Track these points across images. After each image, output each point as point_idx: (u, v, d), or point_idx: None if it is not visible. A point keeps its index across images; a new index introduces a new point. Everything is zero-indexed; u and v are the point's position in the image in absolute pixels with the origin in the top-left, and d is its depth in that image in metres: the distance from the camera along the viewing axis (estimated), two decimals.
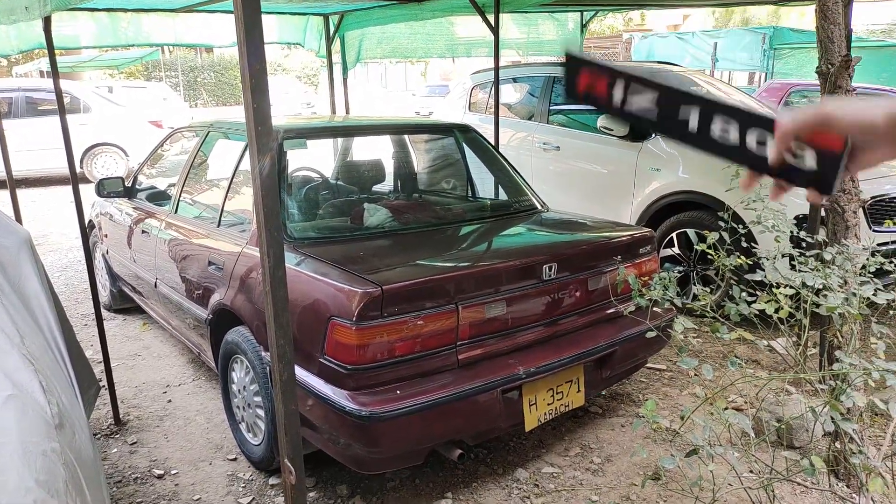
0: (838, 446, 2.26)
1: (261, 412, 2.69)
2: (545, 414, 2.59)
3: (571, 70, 0.71)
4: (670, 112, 0.66)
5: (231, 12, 5.18)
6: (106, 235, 4.56)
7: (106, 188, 4.06)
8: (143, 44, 5.74)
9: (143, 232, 3.83)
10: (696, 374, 3.55)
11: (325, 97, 7.83)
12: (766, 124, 0.61)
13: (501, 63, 5.17)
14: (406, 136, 4.12)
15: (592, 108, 0.76)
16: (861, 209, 3.66)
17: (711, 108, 0.65)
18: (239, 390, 2.86)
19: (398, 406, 2.17)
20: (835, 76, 2.52)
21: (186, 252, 3.34)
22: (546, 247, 2.93)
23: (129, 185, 4.18)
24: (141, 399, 3.48)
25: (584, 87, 0.71)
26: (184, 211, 3.58)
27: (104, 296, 4.69)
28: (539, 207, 3.48)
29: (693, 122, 0.66)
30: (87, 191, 4.58)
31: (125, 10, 4.85)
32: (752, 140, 0.63)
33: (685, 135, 0.66)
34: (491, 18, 4.68)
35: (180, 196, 3.62)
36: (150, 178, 4.38)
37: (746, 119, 0.64)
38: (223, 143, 3.63)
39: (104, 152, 11.00)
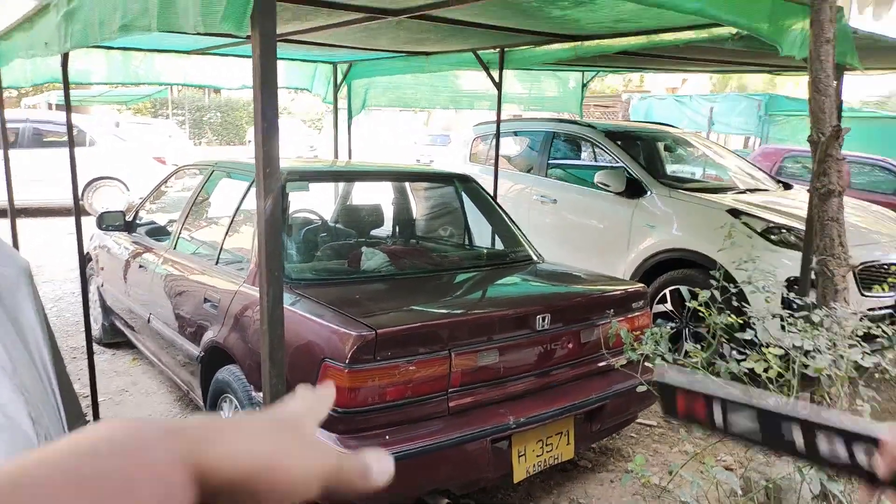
0: None
1: None
2: (534, 465, 2.57)
3: (667, 394, 0.73)
4: (774, 432, 0.67)
5: (241, 56, 5.32)
6: (102, 268, 4.57)
7: (106, 221, 4.10)
8: (154, 83, 5.87)
9: (141, 266, 3.85)
10: (686, 431, 3.53)
11: (328, 141, 7.97)
12: (872, 440, 0.61)
13: (503, 116, 5.31)
14: (406, 183, 4.19)
15: (698, 426, 0.76)
16: (851, 274, 3.72)
17: (813, 425, 0.65)
18: None
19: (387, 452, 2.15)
20: (826, 145, 2.60)
21: (182, 288, 3.36)
22: (540, 297, 2.96)
23: (130, 219, 4.22)
24: None
25: (683, 410, 0.73)
26: (183, 247, 3.61)
27: (96, 329, 4.67)
28: (535, 259, 3.52)
29: (799, 441, 0.67)
30: (87, 223, 4.62)
31: (139, 50, 4.98)
32: (861, 455, 0.63)
33: (795, 453, 0.67)
34: (495, 74, 4.82)
35: (180, 232, 3.66)
36: (150, 214, 4.43)
37: (850, 435, 0.64)
38: (227, 182, 3.69)
39: (105, 185, 11.10)
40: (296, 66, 6.20)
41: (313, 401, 0.43)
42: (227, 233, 3.22)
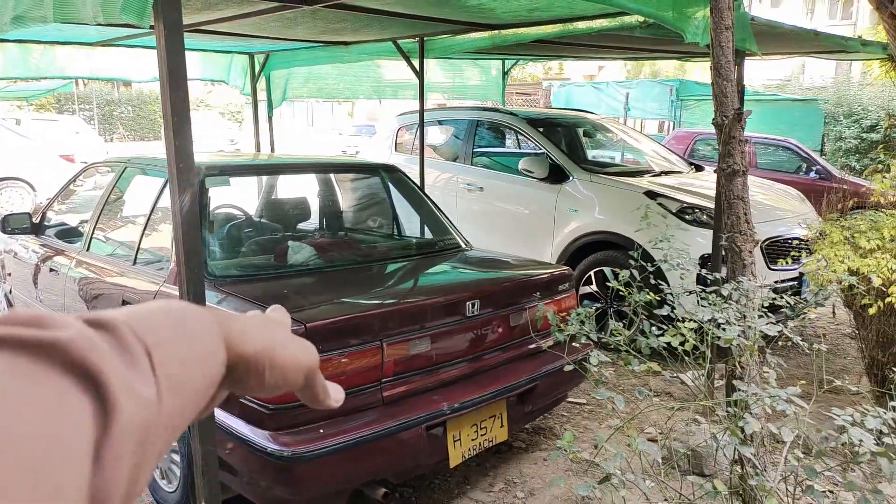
0: (740, 471, 2.40)
1: (176, 457, 2.58)
2: (469, 450, 2.62)
3: None
4: None
5: (151, 47, 5.11)
6: (10, 274, 4.32)
7: (11, 224, 3.87)
8: (57, 76, 5.56)
9: (52, 270, 3.66)
10: (612, 407, 3.68)
11: (249, 134, 7.76)
12: None
13: (428, 105, 5.32)
14: (332, 175, 4.14)
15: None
16: (758, 249, 3.96)
17: None
18: None
19: (322, 445, 2.14)
20: (729, 127, 2.74)
21: (99, 291, 3.21)
22: (469, 284, 3.00)
23: (37, 221, 4.00)
24: None
25: None
26: (97, 248, 3.45)
27: None
28: (463, 246, 3.56)
29: None
30: None
31: (39, 42, 4.70)
32: None
33: None
34: (416, 63, 4.82)
35: (93, 233, 3.49)
36: (60, 215, 4.20)
37: None
38: (141, 179, 3.54)
39: (9, 187, 10.44)
40: (210, 58, 6.00)
41: (283, 314, 0.52)
42: (143, 232, 3.10)
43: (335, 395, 0.51)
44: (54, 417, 0.27)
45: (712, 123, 2.78)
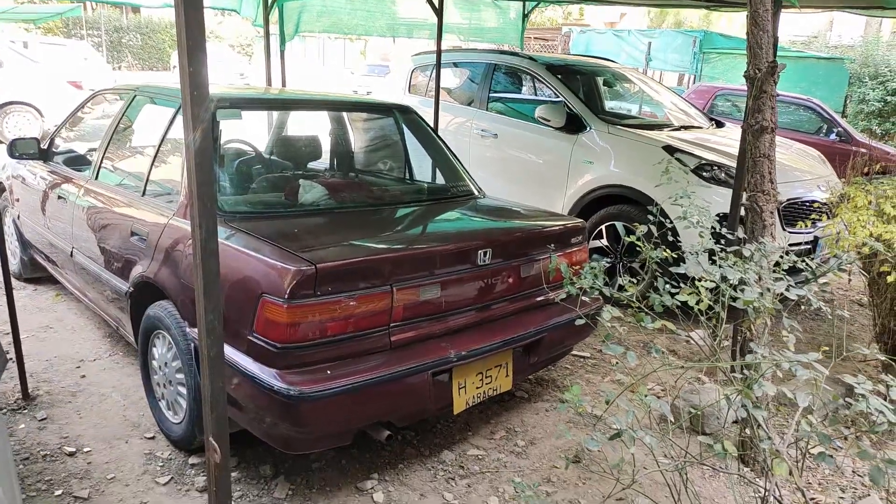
0: (747, 433, 2.40)
1: (182, 389, 2.60)
2: (473, 397, 2.63)
3: None
4: None
5: None
6: (17, 199, 4.28)
7: (19, 149, 3.81)
8: None
9: (60, 198, 3.62)
10: (618, 362, 3.68)
11: (259, 68, 7.59)
12: None
13: (442, 47, 5.16)
14: (345, 114, 4.05)
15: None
16: (776, 210, 3.88)
17: None
18: (160, 367, 2.76)
19: (328, 386, 2.14)
20: (761, 81, 2.63)
21: (107, 221, 3.18)
22: (481, 232, 2.96)
23: (45, 147, 3.94)
24: (52, 373, 3.30)
25: None
26: (105, 178, 3.41)
27: (14, 264, 4.41)
28: (476, 193, 3.50)
29: None
30: None
31: None
32: None
33: None
34: (435, 1, 4.65)
35: (101, 162, 3.44)
36: (68, 142, 4.14)
37: None
38: (150, 108, 3.46)
39: (17, 111, 10.31)
40: None
41: None
42: (153, 163, 3.04)
43: None
44: None
45: (744, 76, 2.67)
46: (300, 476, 2.57)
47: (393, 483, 2.56)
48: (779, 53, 3.10)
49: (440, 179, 3.69)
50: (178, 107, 3.04)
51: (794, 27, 20.28)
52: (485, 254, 2.62)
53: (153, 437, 2.79)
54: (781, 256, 2.25)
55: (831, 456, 1.53)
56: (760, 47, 2.66)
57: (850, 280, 5.09)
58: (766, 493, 1.72)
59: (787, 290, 1.90)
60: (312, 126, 4.02)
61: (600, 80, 6.04)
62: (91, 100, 4.04)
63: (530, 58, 5.65)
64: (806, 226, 3.82)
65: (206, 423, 1.58)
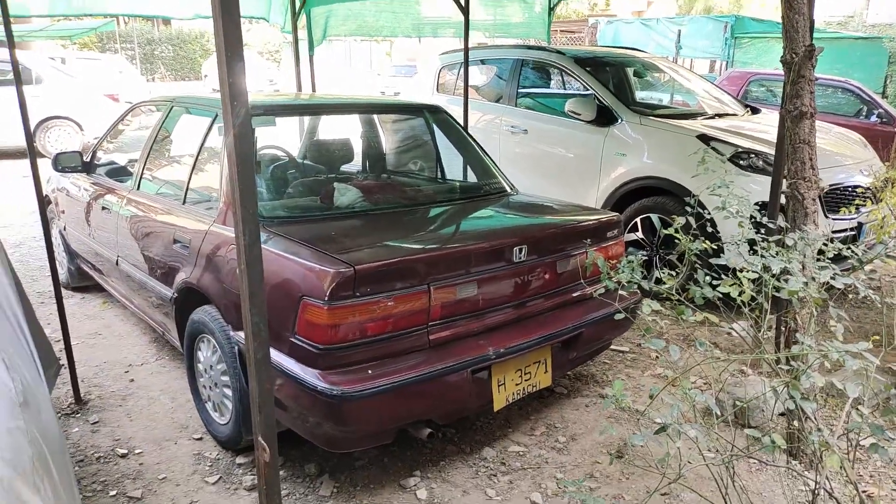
0: (795, 425, 2.36)
1: (228, 391, 2.66)
2: (513, 394, 2.63)
3: None
4: None
5: None
6: (63, 211, 4.42)
7: (63, 163, 3.94)
8: (99, 14, 5.55)
9: (104, 208, 3.73)
10: (658, 356, 3.64)
11: (287, 74, 7.67)
12: None
13: (468, 44, 5.15)
14: (375, 116, 4.08)
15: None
16: (818, 197, 3.79)
17: None
18: (205, 370, 2.83)
19: (369, 385, 2.17)
20: (798, 66, 2.58)
21: (150, 229, 3.27)
22: (516, 229, 2.96)
23: (88, 159, 4.06)
24: (102, 378, 3.41)
25: None
26: (146, 187, 3.50)
27: (62, 273, 4.56)
28: (509, 190, 3.50)
29: None
30: (42, 165, 4.43)
31: None
32: None
33: None
34: None
35: (142, 172, 3.53)
36: (109, 154, 4.25)
37: None
38: (187, 118, 3.54)
39: (58, 126, 10.62)
40: None
41: None
42: (192, 171, 3.11)
43: None
44: None
45: (780, 61, 2.62)
46: (344, 474, 2.61)
47: (435, 480, 2.58)
48: (814, 36, 3.02)
49: (472, 177, 3.69)
50: (213, 116, 3.10)
51: (829, 8, 19.73)
52: (520, 250, 2.62)
53: (201, 438, 2.86)
54: (825, 244, 2.20)
55: (884, 448, 1.50)
56: (797, 31, 2.60)
57: None
58: (818, 486, 1.69)
59: (832, 278, 1.86)
60: (344, 129, 4.06)
61: (630, 71, 5.97)
62: (130, 112, 4.15)
63: (558, 51, 5.62)
64: (849, 212, 3.73)
65: (255, 423, 1.62)
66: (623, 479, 2.58)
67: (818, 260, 2.07)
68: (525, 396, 2.71)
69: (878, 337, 1.92)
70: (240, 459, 2.70)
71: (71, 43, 21.36)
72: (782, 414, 2.69)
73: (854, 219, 4.17)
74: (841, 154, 4.70)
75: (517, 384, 2.65)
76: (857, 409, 1.52)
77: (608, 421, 3.00)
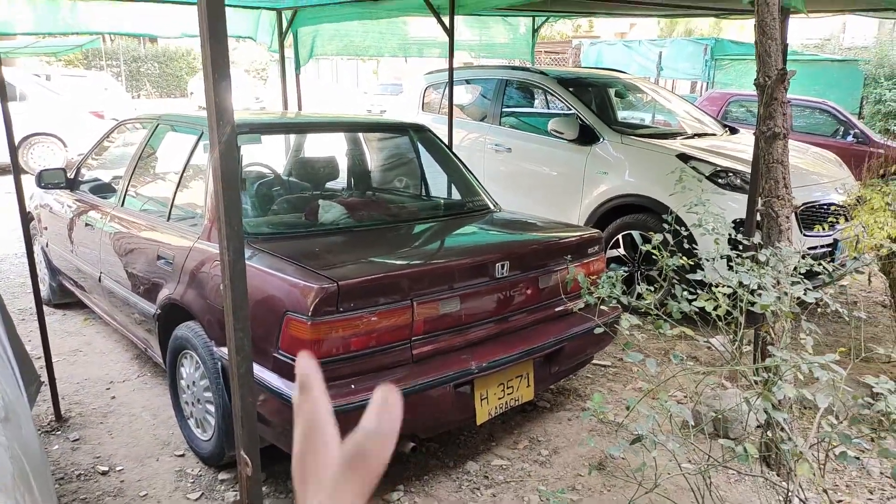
0: (770, 436, 2.40)
1: (211, 407, 2.66)
2: (496, 408, 2.66)
3: None
4: None
5: (178, 2, 5.06)
6: (46, 228, 4.41)
7: (46, 179, 3.94)
8: (84, 32, 5.56)
9: (87, 225, 3.73)
10: (639, 369, 3.69)
11: (274, 92, 7.72)
12: None
13: (453, 64, 5.23)
14: (361, 134, 4.13)
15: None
16: (793, 215, 3.88)
17: None
18: (188, 385, 2.82)
19: (353, 400, 2.19)
20: (772, 88, 2.66)
21: (133, 246, 3.27)
22: (499, 246, 3.00)
23: (72, 176, 4.06)
24: (83, 395, 3.38)
25: None
26: (131, 204, 3.50)
27: (44, 290, 4.53)
28: (492, 207, 3.55)
29: None
30: (26, 182, 4.42)
31: None
32: None
33: None
34: (446, 20, 4.73)
35: (127, 189, 3.54)
36: (93, 170, 4.26)
37: None
38: (173, 136, 3.57)
39: (41, 142, 10.57)
40: (238, 13, 5.95)
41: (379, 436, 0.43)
42: (177, 188, 3.13)
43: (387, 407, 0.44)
44: None
45: (754, 84, 2.70)
46: None
47: (419, 494, 2.59)
48: (791, 57, 3.13)
49: (456, 195, 3.74)
50: (199, 134, 3.13)
51: (805, 31, 20.21)
52: (502, 266, 2.66)
53: (183, 455, 2.85)
54: (799, 261, 2.26)
55: (857, 457, 1.55)
56: (769, 55, 2.69)
57: (870, 282, 5.05)
58: (790, 495, 1.73)
59: (804, 293, 1.92)
60: (329, 147, 4.10)
61: (612, 92, 6.08)
62: (115, 129, 4.17)
63: (541, 72, 5.72)
64: (824, 229, 3.82)
65: (238, 438, 1.63)
66: (605, 491, 2.61)
67: (792, 275, 2.14)
68: (508, 410, 2.74)
69: (843, 349, 1.98)
70: (222, 475, 2.69)
71: (56, 60, 21.32)
72: (760, 426, 2.73)
73: (829, 235, 4.27)
74: (817, 173, 4.81)
75: (500, 398, 2.67)
76: (827, 418, 1.56)
77: (590, 434, 3.03)
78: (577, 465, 2.80)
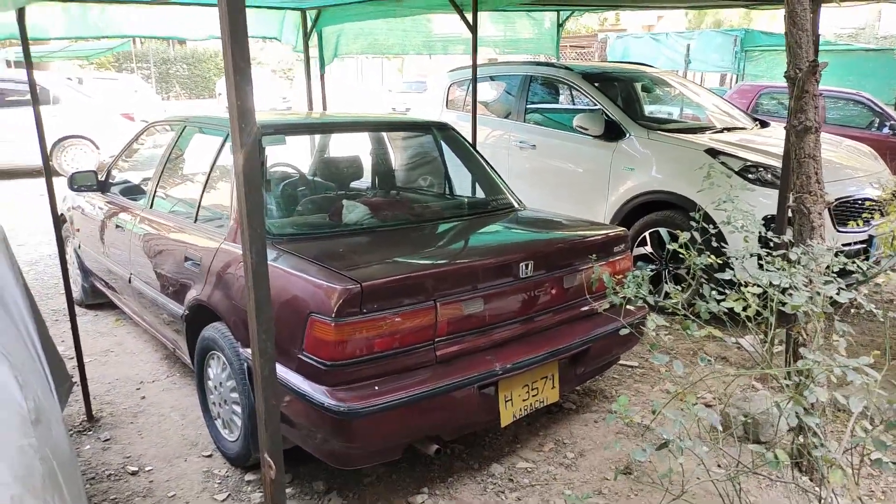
0: (801, 440, 2.34)
1: (237, 408, 2.69)
2: (520, 410, 2.63)
3: None
4: None
5: (205, 5, 5.12)
6: (78, 230, 4.50)
7: (78, 182, 4.01)
8: (115, 35, 5.65)
9: (118, 227, 3.79)
10: (666, 371, 3.63)
11: (300, 92, 7.78)
12: None
13: (478, 61, 5.20)
14: (384, 134, 4.13)
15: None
16: (826, 211, 3.78)
17: None
18: (215, 386, 2.85)
19: (377, 402, 2.19)
20: (803, 81, 2.59)
21: (162, 247, 3.32)
22: (523, 245, 2.97)
23: (103, 178, 4.13)
24: (114, 395, 3.45)
25: None
26: (159, 206, 3.55)
27: (76, 291, 4.63)
28: (516, 206, 3.52)
29: None
30: (58, 184, 4.51)
31: (97, 1, 4.78)
32: None
33: None
34: (469, 16, 4.70)
35: (156, 191, 3.59)
36: (123, 172, 4.33)
37: None
38: (200, 138, 3.61)
39: (74, 145, 10.80)
40: (263, 14, 5.99)
41: None
42: (203, 190, 3.17)
43: None
44: None
45: (784, 77, 2.63)
46: (352, 491, 2.62)
47: (443, 497, 2.58)
48: (823, 48, 3.03)
49: (480, 193, 3.72)
50: (225, 135, 3.15)
51: (839, 20, 19.70)
52: (527, 266, 2.63)
53: (210, 455, 2.88)
54: (832, 259, 2.20)
55: (893, 463, 1.50)
56: (800, 46, 2.62)
57: None
58: (823, 502, 1.68)
59: (837, 293, 1.86)
60: (353, 147, 4.11)
61: (638, 86, 5.99)
62: (144, 132, 4.23)
63: (566, 67, 5.65)
64: (859, 225, 3.71)
65: (261, 439, 1.63)
66: (632, 496, 2.57)
67: (825, 274, 2.07)
68: (533, 412, 2.71)
69: (878, 351, 1.92)
70: (249, 476, 2.72)
71: (88, 63, 21.78)
72: (791, 429, 2.67)
73: (864, 232, 4.15)
74: (851, 167, 4.68)
75: (524, 400, 2.65)
76: (861, 423, 1.51)
77: (616, 437, 2.99)
78: (604, 469, 2.76)
